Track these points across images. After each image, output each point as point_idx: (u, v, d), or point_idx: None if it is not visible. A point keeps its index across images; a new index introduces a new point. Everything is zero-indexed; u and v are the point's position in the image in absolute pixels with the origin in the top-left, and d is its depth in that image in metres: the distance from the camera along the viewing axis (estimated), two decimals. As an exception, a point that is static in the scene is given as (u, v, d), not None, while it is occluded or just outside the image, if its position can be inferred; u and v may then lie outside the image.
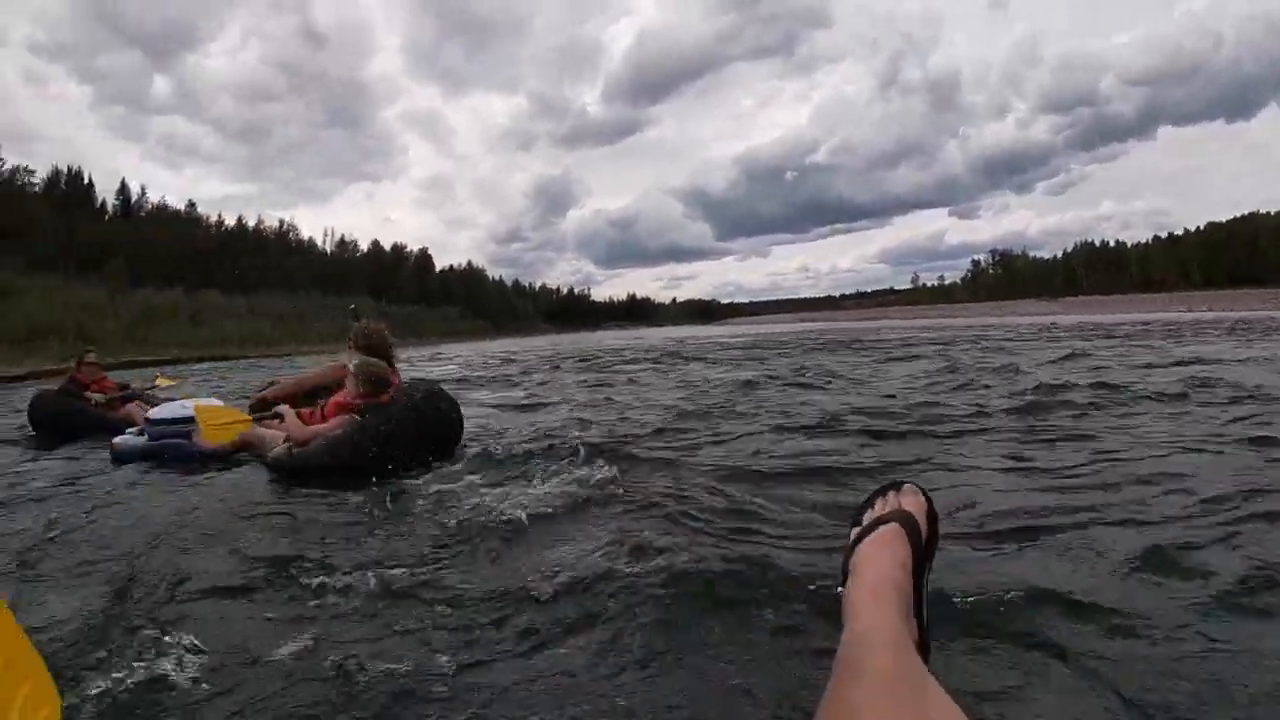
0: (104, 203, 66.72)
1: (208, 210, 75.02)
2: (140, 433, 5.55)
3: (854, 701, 0.76)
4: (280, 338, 52.48)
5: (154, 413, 5.65)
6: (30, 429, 7.41)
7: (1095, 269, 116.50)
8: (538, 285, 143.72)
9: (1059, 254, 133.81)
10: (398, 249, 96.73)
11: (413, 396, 4.81)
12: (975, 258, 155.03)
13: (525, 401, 8.18)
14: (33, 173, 60.55)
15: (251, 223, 77.44)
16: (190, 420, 5.11)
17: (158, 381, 9.54)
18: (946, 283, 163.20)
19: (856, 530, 1.11)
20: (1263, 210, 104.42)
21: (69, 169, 63.51)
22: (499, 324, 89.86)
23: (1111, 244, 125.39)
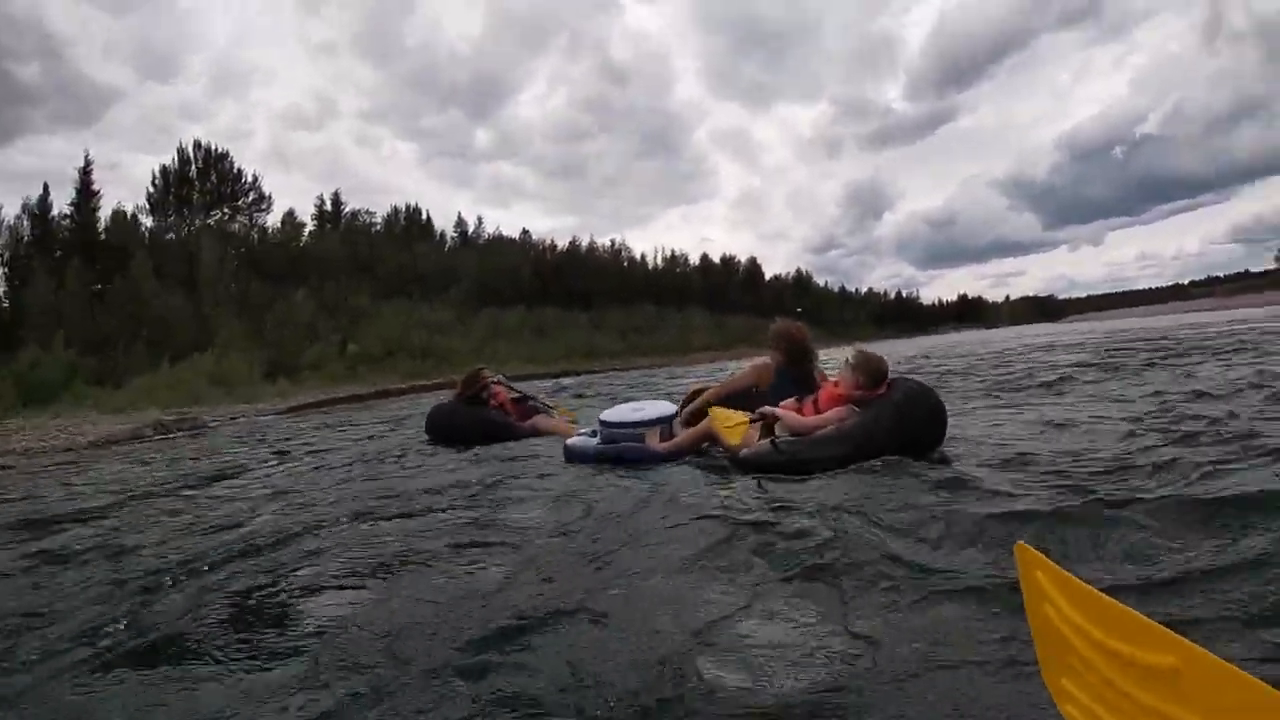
0: (443, 234, 69.96)
1: (541, 238, 75.10)
2: (593, 434, 5.63)
3: None
4: (623, 350, 50.94)
5: (606, 415, 5.60)
6: (430, 439, 7.48)
7: None
8: (863, 290, 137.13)
9: None
10: (726, 260, 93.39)
11: (906, 391, 4.52)
12: None
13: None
14: (373, 214, 64.58)
15: (584, 244, 76.16)
16: (646, 424, 5.33)
17: (557, 406, 8.62)
18: None
19: None
20: None
21: (407, 206, 66.89)
22: (832, 331, 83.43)
23: None
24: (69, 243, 41.68)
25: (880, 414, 4.37)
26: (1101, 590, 0.94)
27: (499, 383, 7.79)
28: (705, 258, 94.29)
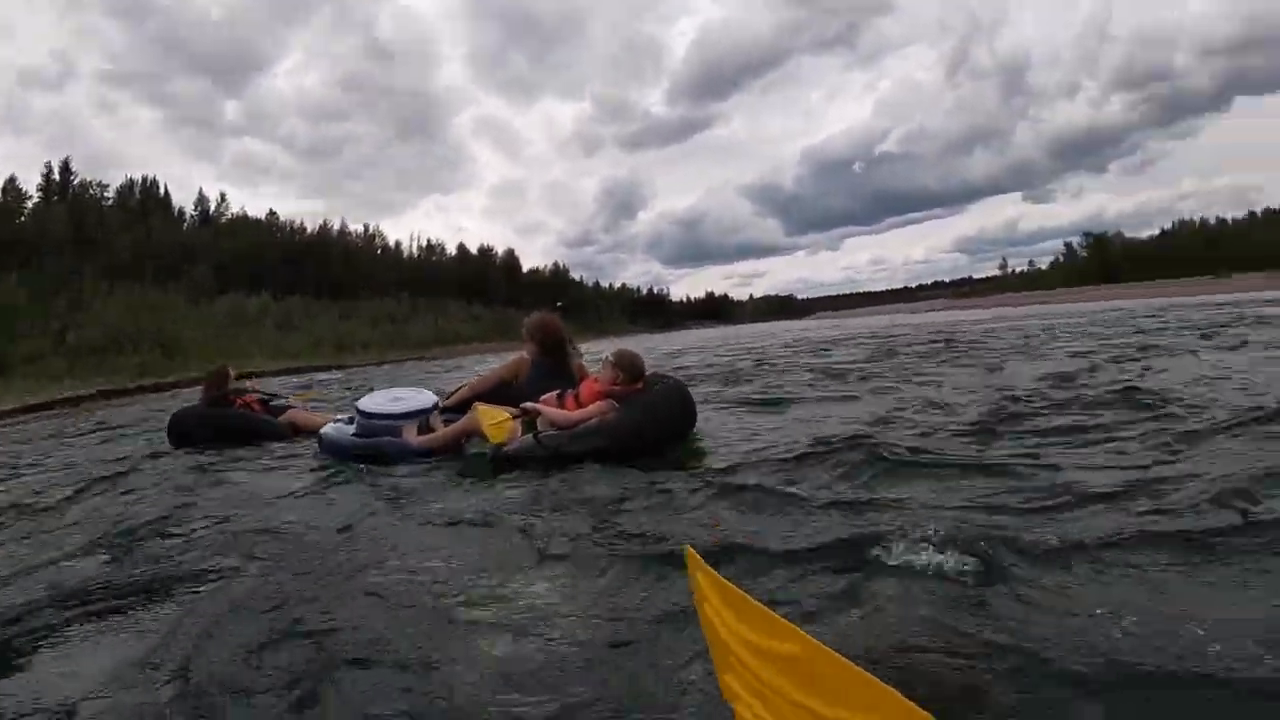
0: (181, 211, 65.34)
1: (289, 219, 72.69)
2: (349, 421, 5.42)
3: None
4: (376, 341, 48.62)
5: (364, 403, 5.39)
6: (175, 445, 6.71)
7: (1194, 249, 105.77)
8: (616, 285, 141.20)
9: (1155, 233, 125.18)
10: (484, 251, 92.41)
11: (662, 387, 4.89)
12: (1068, 240, 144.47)
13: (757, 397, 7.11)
14: (105, 187, 59.61)
15: (336, 227, 73.07)
16: (404, 416, 5.22)
17: (305, 394, 8.94)
18: (1037, 268, 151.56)
19: None
20: None
21: (144, 178, 61.12)
22: (588, 325, 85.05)
23: (1212, 221, 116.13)
24: None
25: (638, 408, 4.59)
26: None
27: (250, 388, 7.54)
28: (462, 248, 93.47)
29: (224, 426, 6.75)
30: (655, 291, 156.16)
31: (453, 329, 62.62)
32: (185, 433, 6.80)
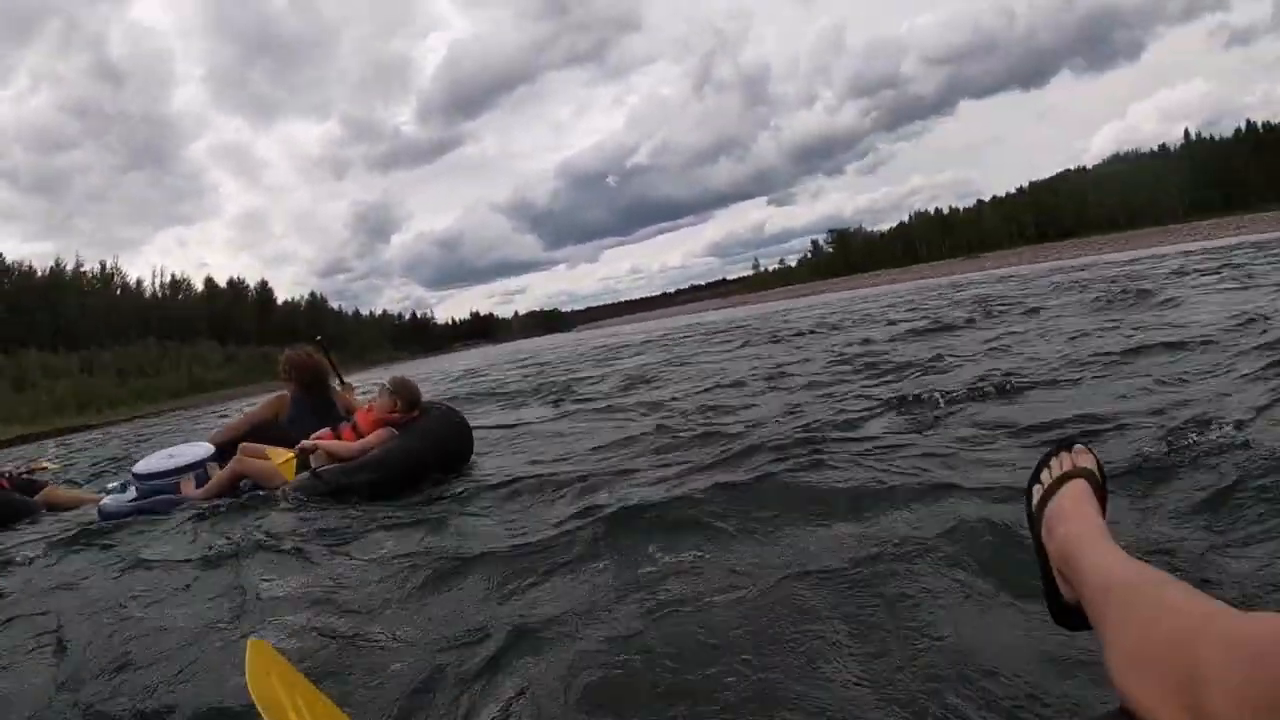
0: None
1: (15, 262, 65.81)
2: (123, 488, 5.31)
3: (1154, 597, 0.86)
4: (125, 397, 45.36)
5: (139, 467, 5.23)
6: None
7: (932, 237, 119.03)
8: (377, 312, 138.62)
9: (890, 227, 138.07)
10: (235, 285, 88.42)
11: (438, 414, 4.97)
12: (814, 238, 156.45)
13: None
14: None
15: (70, 267, 66.89)
16: (180, 470, 5.07)
17: (44, 465, 8.04)
18: (788, 265, 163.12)
19: (1039, 487, 1.23)
20: (1074, 167, 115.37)
21: None
22: (353, 354, 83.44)
23: (945, 211, 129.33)
24: None
25: (415, 437, 4.65)
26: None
27: None
28: (210, 282, 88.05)
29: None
30: (419, 315, 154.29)
31: (208, 375, 59.63)
32: None
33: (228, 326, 77.52)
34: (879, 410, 4.66)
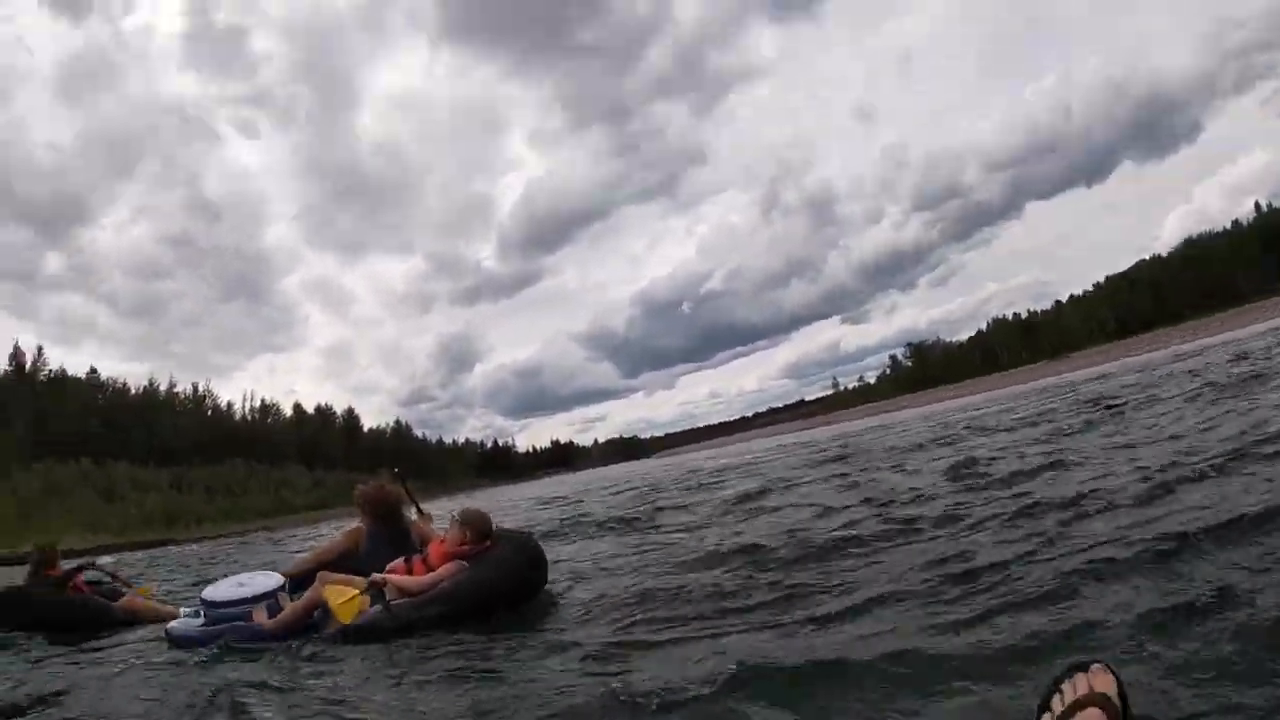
0: None
1: (112, 378, 67.79)
2: (195, 614, 5.27)
3: None
4: (212, 514, 44.31)
5: (209, 593, 5.19)
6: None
7: (1012, 343, 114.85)
8: (461, 440, 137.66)
9: (969, 336, 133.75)
10: (323, 411, 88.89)
11: (511, 544, 4.97)
12: (892, 353, 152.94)
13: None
14: None
15: (164, 386, 68.37)
16: (251, 600, 5.00)
17: (145, 588, 7.14)
18: (867, 383, 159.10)
19: (1048, 717, 1.10)
20: (1148, 256, 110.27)
21: None
22: (436, 481, 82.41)
23: (1023, 315, 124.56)
24: None
25: (489, 567, 4.64)
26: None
27: (83, 567, 6.90)
28: (299, 408, 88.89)
29: (59, 613, 6.18)
30: (500, 443, 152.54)
31: (295, 498, 59.09)
32: (10, 616, 6.21)
33: (315, 451, 77.94)
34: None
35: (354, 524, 5.70)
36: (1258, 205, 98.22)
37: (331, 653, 4.29)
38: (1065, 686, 1.11)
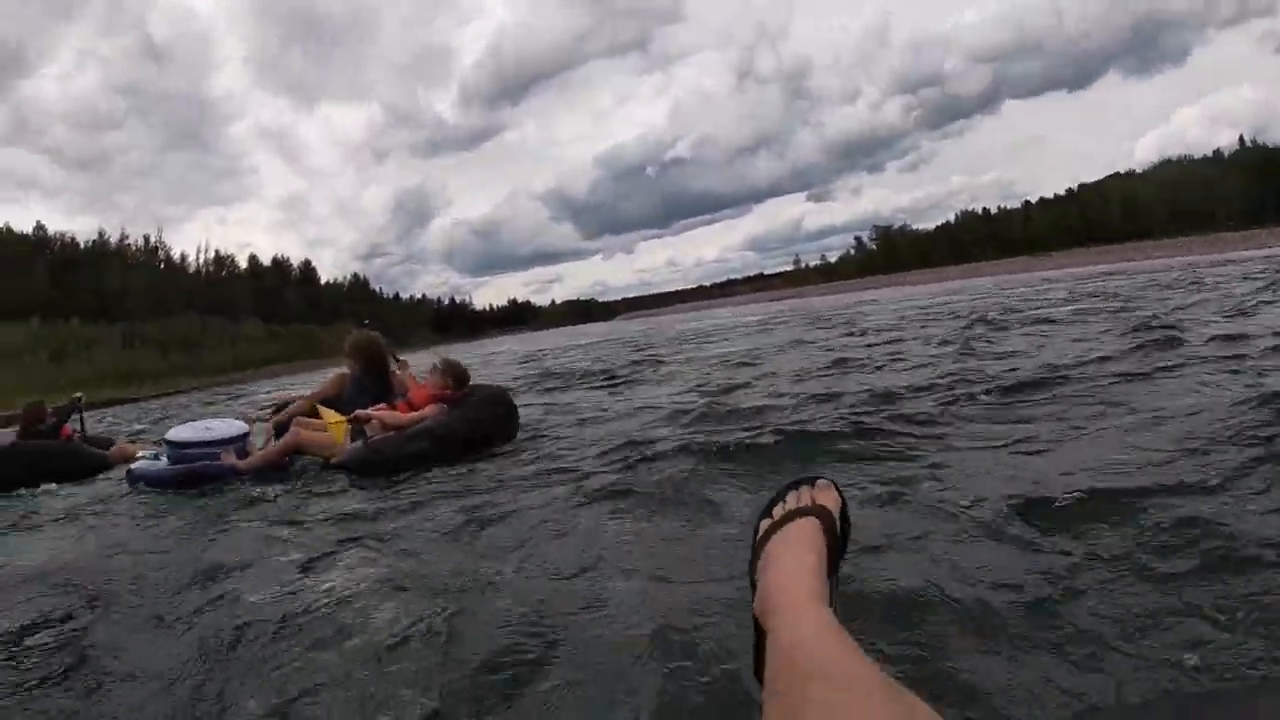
0: None
1: (58, 233, 64.77)
2: (155, 457, 5.20)
3: (834, 702, 0.72)
4: (167, 370, 43.14)
5: (173, 434, 5.16)
6: None
7: (980, 238, 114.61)
8: (417, 296, 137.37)
9: (935, 225, 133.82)
10: (279, 263, 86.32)
11: (486, 392, 5.34)
12: (857, 234, 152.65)
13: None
14: None
15: (114, 239, 65.50)
16: (219, 442, 5.01)
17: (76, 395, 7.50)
18: (829, 262, 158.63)
19: (768, 522, 1.10)
20: (1124, 170, 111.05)
21: None
22: (396, 338, 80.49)
23: (994, 211, 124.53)
24: None
25: (465, 412, 4.95)
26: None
27: (71, 411, 7.10)
28: (254, 260, 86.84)
29: (55, 463, 6.14)
30: (457, 301, 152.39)
31: (253, 351, 57.42)
32: (5, 470, 6.03)
33: (273, 305, 76.29)
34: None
35: (338, 371, 5.94)
36: (1243, 139, 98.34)
37: (315, 486, 4.44)
38: (789, 496, 1.13)
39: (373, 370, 5.72)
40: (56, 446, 6.42)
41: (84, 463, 6.24)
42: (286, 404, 5.93)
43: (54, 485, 5.70)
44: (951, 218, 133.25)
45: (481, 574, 2.41)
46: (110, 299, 56.26)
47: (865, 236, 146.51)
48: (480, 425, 4.92)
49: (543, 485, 3.57)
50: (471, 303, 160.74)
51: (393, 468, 4.48)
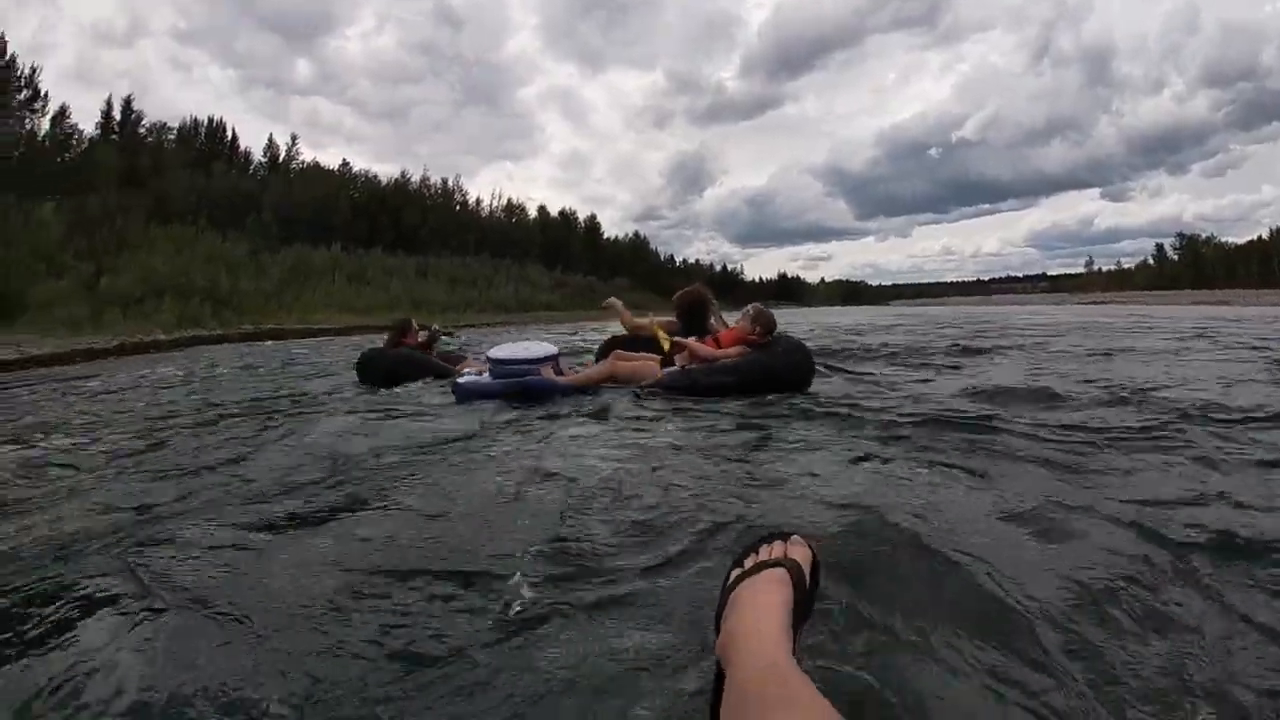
0: (248, 154, 60.34)
1: (364, 169, 65.23)
2: (479, 373, 5.72)
3: None
4: (455, 302, 45.78)
5: (495, 352, 5.71)
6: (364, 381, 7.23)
7: None
8: (690, 261, 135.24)
9: (1248, 240, 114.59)
10: (566, 215, 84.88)
11: (789, 341, 5.57)
12: (1158, 241, 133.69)
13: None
14: (167, 128, 54.65)
15: (415, 179, 70.36)
16: (538, 360, 5.46)
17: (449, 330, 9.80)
18: (1124, 268, 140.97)
19: (738, 571, 1.13)
20: None
21: (209, 119, 55.32)
22: (665, 299, 77.31)
23: None
24: None
25: (767, 355, 5.37)
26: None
27: (434, 335, 8.19)
28: (543, 210, 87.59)
29: (408, 369, 7.07)
30: (728, 269, 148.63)
31: (537, 297, 56.71)
32: (379, 369, 7.16)
33: (558, 253, 76.32)
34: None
35: (666, 319, 6.25)
36: None
37: (624, 402, 4.94)
38: (762, 548, 1.15)
39: (695, 322, 6.17)
40: (417, 356, 7.38)
41: (434, 371, 7.08)
42: (623, 338, 6.50)
43: (412, 385, 6.50)
44: (1266, 234, 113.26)
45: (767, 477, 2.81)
46: (407, 232, 57.50)
47: (1168, 245, 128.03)
48: (778, 370, 5.24)
49: (833, 428, 3.82)
50: (741, 272, 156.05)
51: (699, 392, 5.12)
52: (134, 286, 27.93)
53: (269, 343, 19.79)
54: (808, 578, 1.06)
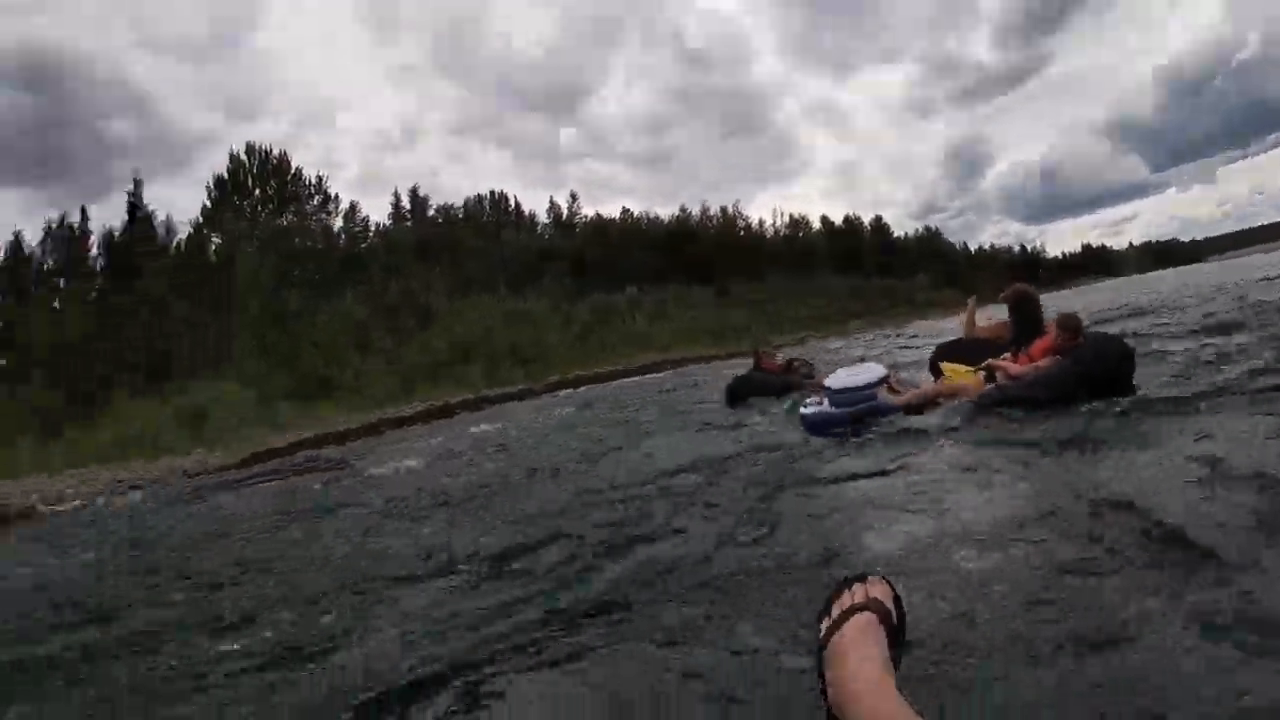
0: (533, 215, 63.58)
1: (644, 213, 70.74)
2: (819, 403, 5.96)
3: None
4: (752, 326, 44.80)
5: (832, 381, 5.93)
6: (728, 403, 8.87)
7: None
8: (985, 248, 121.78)
9: None
10: (851, 221, 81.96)
11: (1099, 341, 5.40)
12: None
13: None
14: (455, 208, 58.39)
15: (696, 214, 71.22)
16: (873, 384, 5.67)
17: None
18: None
19: (827, 621, 1.12)
20: None
21: (491, 192, 59.54)
22: (967, 290, 70.31)
23: None
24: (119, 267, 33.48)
25: (1076, 360, 5.15)
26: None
27: (791, 362, 9.41)
28: (826, 220, 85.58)
29: (772, 388, 8.47)
30: (1027, 249, 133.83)
31: (834, 308, 55.48)
32: (746, 390, 8.82)
33: (849, 260, 74.39)
34: None
35: (1001, 319, 6.50)
36: None
37: (955, 419, 5.14)
38: (844, 595, 1.14)
39: (1024, 318, 6.11)
40: (775, 379, 8.82)
41: (780, 387, 8.37)
42: (954, 344, 6.87)
43: (769, 398, 7.87)
44: None
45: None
46: (698, 264, 57.80)
47: None
48: (1093, 373, 5.04)
49: (1154, 429, 3.73)
50: (1043, 251, 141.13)
51: (1013, 405, 5.09)
52: (440, 354, 28.28)
53: (582, 389, 18.90)
54: (893, 612, 1.09)
